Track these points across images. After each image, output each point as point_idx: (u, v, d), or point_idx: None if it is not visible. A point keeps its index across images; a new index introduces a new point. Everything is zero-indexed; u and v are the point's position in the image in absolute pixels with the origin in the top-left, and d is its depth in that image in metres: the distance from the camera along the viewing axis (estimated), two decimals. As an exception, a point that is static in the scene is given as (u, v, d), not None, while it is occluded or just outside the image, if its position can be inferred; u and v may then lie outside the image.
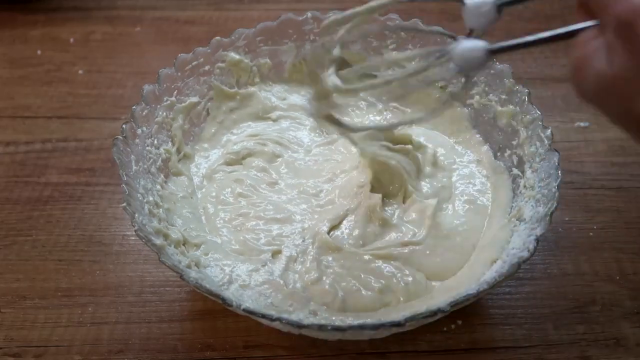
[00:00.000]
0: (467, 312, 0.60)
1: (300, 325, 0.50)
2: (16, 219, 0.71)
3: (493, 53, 0.48)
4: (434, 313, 0.50)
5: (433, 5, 0.99)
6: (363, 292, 0.58)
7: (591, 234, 0.68)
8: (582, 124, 0.79)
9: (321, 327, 0.50)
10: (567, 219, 0.69)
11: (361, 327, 0.50)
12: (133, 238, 0.68)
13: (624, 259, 0.65)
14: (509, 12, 1.00)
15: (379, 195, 0.64)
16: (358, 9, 0.54)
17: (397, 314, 0.55)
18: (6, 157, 0.77)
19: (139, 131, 0.64)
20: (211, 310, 0.62)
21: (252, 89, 0.76)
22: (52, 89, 0.86)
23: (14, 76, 0.88)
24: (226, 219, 0.65)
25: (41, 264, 0.66)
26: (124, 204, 0.55)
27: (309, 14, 0.75)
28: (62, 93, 0.85)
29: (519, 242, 0.56)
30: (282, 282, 0.59)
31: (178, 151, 0.69)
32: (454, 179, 0.68)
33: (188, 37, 0.94)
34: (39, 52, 0.92)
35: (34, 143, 0.79)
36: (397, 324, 0.49)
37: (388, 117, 0.75)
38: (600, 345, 0.59)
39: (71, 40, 0.94)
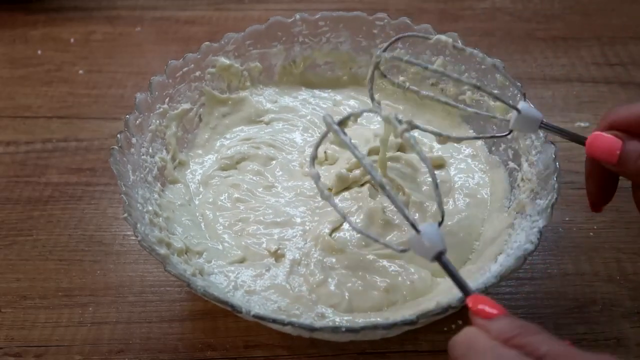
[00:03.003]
0: (468, 312, 0.60)
1: (312, 329, 0.50)
2: (16, 219, 0.71)
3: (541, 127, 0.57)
4: (445, 309, 0.50)
5: (433, 5, 0.99)
6: (369, 292, 0.58)
7: (591, 234, 0.68)
8: (582, 124, 0.79)
9: (334, 330, 0.50)
10: (567, 219, 0.69)
11: (374, 327, 0.50)
12: (133, 238, 0.68)
13: (624, 259, 0.65)
14: (509, 13, 1.01)
15: (380, 200, 0.64)
16: None
17: (405, 312, 0.55)
18: (6, 157, 0.77)
19: (134, 140, 0.63)
20: (212, 310, 0.62)
21: (243, 93, 0.75)
22: (53, 89, 0.86)
23: (14, 76, 0.88)
24: (226, 225, 0.64)
25: (42, 263, 0.66)
26: (125, 215, 0.55)
27: (297, 16, 0.75)
28: (62, 93, 0.86)
29: (521, 235, 0.56)
30: (287, 286, 0.59)
31: (173, 159, 0.68)
32: (452, 173, 0.68)
33: (188, 37, 0.94)
34: (39, 52, 0.92)
35: (34, 143, 0.79)
36: (409, 322, 0.49)
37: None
38: (600, 345, 0.59)
39: (71, 40, 0.94)
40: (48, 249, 0.68)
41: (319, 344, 0.59)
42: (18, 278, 0.65)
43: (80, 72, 0.89)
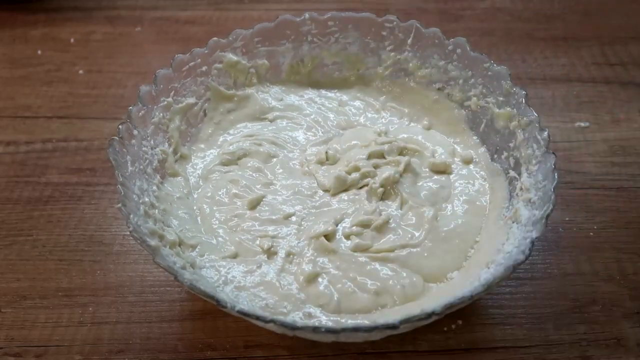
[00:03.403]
0: (468, 312, 0.60)
1: (294, 327, 0.50)
2: (17, 219, 0.71)
3: None
4: (429, 316, 0.50)
5: (433, 5, 0.99)
6: (359, 294, 0.58)
7: (591, 234, 0.68)
8: (582, 124, 0.79)
9: (315, 329, 0.50)
10: (567, 219, 0.69)
11: (355, 330, 0.50)
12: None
13: (624, 259, 0.65)
14: (509, 12, 1.02)
15: (376, 204, 0.64)
16: None
17: (392, 316, 0.55)
18: (7, 157, 0.77)
19: (135, 132, 0.63)
20: (212, 310, 0.62)
21: (249, 90, 0.75)
22: (53, 89, 0.86)
23: (14, 76, 0.88)
24: (222, 220, 0.65)
25: (42, 263, 0.66)
26: (119, 205, 0.55)
27: (307, 15, 0.75)
28: (62, 93, 0.86)
29: (514, 244, 0.56)
30: (277, 283, 0.59)
31: (175, 152, 0.69)
32: (453, 178, 0.68)
33: (188, 37, 0.94)
34: (39, 52, 0.92)
35: (34, 143, 0.79)
36: (392, 327, 0.49)
37: (386, 116, 0.75)
38: (600, 345, 0.59)
39: (71, 40, 0.94)
40: (48, 249, 0.68)
41: (320, 344, 0.59)
42: (18, 278, 0.65)
43: (80, 72, 0.89)
